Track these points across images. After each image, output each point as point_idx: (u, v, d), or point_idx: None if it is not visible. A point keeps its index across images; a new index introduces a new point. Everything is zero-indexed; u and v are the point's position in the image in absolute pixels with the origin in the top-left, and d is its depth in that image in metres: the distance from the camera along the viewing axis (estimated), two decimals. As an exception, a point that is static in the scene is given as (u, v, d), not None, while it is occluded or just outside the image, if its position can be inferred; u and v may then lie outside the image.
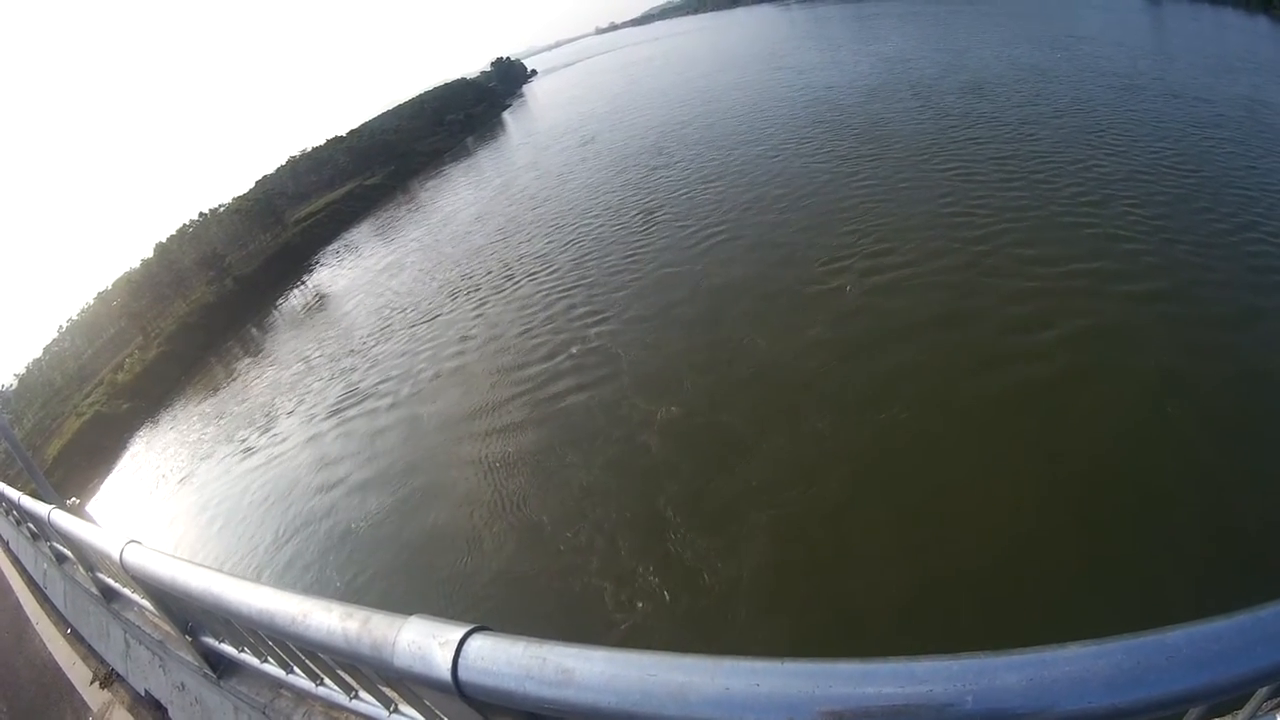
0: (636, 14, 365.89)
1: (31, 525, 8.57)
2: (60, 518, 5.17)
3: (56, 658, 6.63)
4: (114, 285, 76.42)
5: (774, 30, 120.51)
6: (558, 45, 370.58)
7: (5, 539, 13.09)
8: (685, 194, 29.49)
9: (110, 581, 5.16)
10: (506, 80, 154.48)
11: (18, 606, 8.67)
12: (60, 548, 7.04)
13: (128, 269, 75.63)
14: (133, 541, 3.22)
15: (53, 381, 61.60)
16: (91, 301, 77.03)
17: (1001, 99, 34.76)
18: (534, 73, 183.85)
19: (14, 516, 11.37)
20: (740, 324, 18.16)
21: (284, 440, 23.98)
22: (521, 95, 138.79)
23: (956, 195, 22.64)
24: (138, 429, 39.64)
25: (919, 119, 32.92)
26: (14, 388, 58.71)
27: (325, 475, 19.96)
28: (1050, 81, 38.03)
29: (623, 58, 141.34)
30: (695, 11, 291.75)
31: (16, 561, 10.97)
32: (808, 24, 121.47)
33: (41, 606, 8.05)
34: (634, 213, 29.10)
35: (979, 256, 18.47)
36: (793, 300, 18.58)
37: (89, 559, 5.44)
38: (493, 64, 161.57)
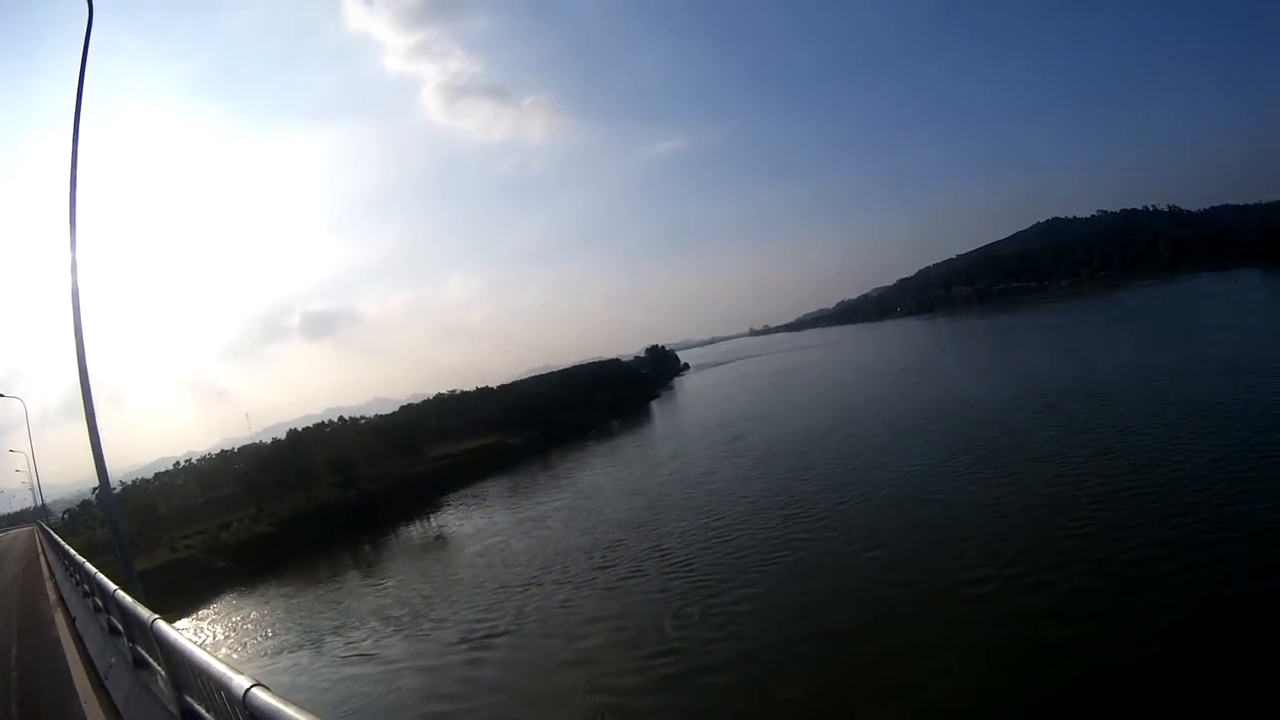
0: (789, 319, 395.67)
1: (114, 619, 9.12)
2: (166, 630, 5.33)
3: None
4: (240, 450, 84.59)
5: (918, 341, 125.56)
6: (713, 341, 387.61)
7: (73, 615, 13.70)
8: (826, 501, 29.77)
9: (199, 708, 4.88)
10: (659, 369, 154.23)
11: (71, 690, 9.02)
12: (143, 654, 7.14)
13: (258, 441, 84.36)
14: (260, 685, 3.02)
15: (155, 506, 65.99)
16: (214, 455, 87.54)
17: (1122, 405, 36.25)
18: (686, 366, 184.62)
19: (93, 602, 11.80)
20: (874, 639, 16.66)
21: (394, 661, 22.24)
22: (672, 388, 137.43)
23: (1084, 508, 21.81)
24: (228, 590, 40.07)
25: (1047, 430, 33.67)
26: (119, 492, 60.58)
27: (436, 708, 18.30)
28: (1165, 378, 40.41)
29: (773, 363, 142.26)
30: (845, 322, 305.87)
31: (79, 641, 11.44)
32: (950, 336, 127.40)
33: (96, 694, 8.39)
34: (775, 516, 28.84)
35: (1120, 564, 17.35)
36: (925, 618, 16.94)
37: (182, 679, 5.25)
38: (648, 350, 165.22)
